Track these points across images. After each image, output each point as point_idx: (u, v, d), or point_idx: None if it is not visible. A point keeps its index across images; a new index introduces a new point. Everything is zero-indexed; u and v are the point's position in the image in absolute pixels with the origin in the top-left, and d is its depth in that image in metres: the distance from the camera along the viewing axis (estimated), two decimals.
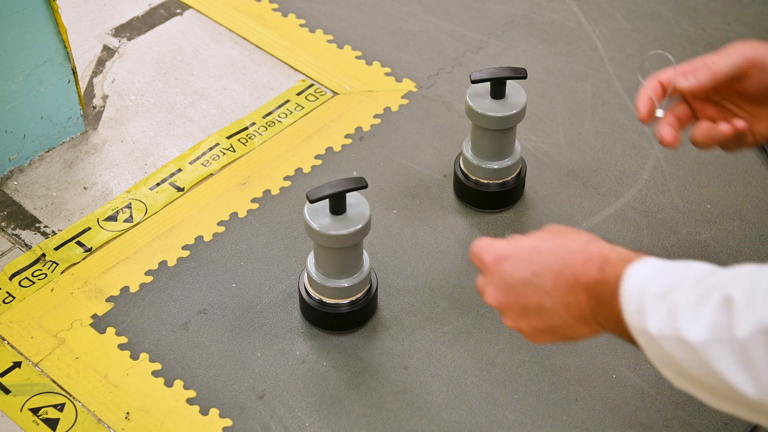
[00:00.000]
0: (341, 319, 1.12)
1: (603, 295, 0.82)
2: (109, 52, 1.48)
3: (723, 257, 1.21)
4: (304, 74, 1.45)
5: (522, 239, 0.88)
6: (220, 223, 1.25)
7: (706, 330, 0.73)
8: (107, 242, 1.23)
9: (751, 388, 0.71)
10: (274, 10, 1.54)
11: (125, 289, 1.18)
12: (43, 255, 1.20)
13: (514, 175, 1.25)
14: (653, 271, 0.78)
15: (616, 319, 0.81)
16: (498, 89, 1.19)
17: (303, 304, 1.13)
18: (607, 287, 0.81)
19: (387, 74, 1.45)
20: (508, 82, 1.19)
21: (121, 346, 1.12)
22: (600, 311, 0.83)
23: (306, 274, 1.12)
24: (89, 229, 1.24)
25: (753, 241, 1.23)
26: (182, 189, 1.29)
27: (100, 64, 1.46)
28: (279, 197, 1.28)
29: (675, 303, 0.75)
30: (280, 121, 1.38)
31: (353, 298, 1.12)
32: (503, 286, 0.88)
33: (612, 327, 0.82)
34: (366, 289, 1.12)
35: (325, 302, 1.11)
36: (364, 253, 1.11)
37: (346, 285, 1.10)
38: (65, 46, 1.27)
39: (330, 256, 1.08)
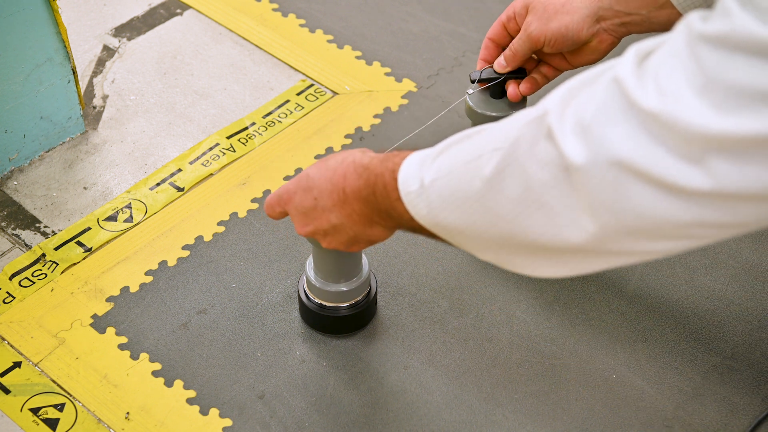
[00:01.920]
0: (340, 323, 1.12)
1: (368, 195, 0.92)
2: (109, 52, 1.48)
3: (723, 257, 1.21)
4: (304, 74, 1.45)
5: (305, 170, 0.99)
6: (220, 223, 1.25)
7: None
8: (107, 242, 1.23)
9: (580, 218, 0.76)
10: (274, 10, 1.54)
11: (125, 289, 1.18)
12: (43, 255, 1.20)
13: None
14: (423, 151, 0.89)
15: (387, 211, 0.91)
16: (498, 89, 1.19)
17: (302, 307, 1.13)
18: (369, 189, 0.92)
19: (387, 74, 1.45)
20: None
21: (121, 346, 1.12)
22: (372, 211, 0.93)
23: (305, 278, 1.12)
24: (89, 229, 1.24)
25: (753, 241, 1.23)
26: (182, 189, 1.29)
27: (100, 64, 1.46)
28: None
29: (451, 150, 0.86)
30: (280, 121, 1.38)
31: (352, 302, 1.11)
32: (301, 217, 1.00)
33: (389, 220, 0.93)
34: (365, 292, 1.12)
35: (325, 306, 1.11)
36: (363, 257, 1.11)
37: (345, 289, 1.10)
38: (65, 46, 1.27)
39: (328, 259, 1.08)
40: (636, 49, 0.74)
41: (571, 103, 0.75)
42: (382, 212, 0.92)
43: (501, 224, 0.80)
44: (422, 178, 0.86)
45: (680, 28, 0.71)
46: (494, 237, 0.82)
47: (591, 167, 0.72)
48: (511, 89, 1.17)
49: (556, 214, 0.77)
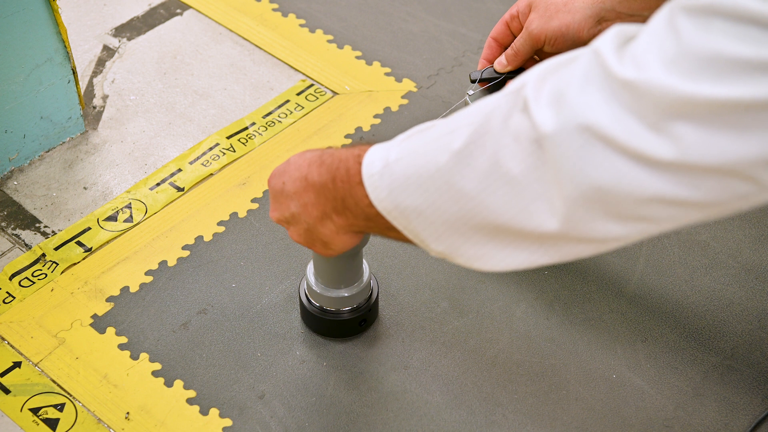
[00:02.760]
0: (342, 327, 1.12)
1: (326, 182, 0.91)
2: (109, 52, 1.48)
3: (723, 257, 1.21)
4: (304, 74, 1.45)
5: (292, 156, 0.99)
6: (220, 223, 1.25)
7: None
8: (107, 242, 1.23)
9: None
10: (274, 10, 1.54)
11: (125, 289, 1.18)
12: (43, 255, 1.20)
13: None
14: (392, 140, 0.87)
15: (343, 199, 0.90)
16: (498, 89, 1.19)
17: (303, 311, 1.13)
18: (329, 174, 0.91)
19: (387, 74, 1.45)
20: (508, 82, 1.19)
21: (121, 346, 1.12)
22: (326, 201, 0.93)
23: (305, 282, 1.12)
24: (89, 229, 1.24)
25: (753, 241, 1.23)
26: (182, 189, 1.29)
27: (100, 64, 1.46)
28: None
29: (422, 132, 0.84)
30: (280, 121, 1.38)
31: (354, 306, 1.11)
32: (272, 201, 1.00)
33: (343, 212, 0.92)
34: (366, 297, 1.12)
35: (326, 310, 1.11)
36: (364, 261, 1.11)
37: (346, 294, 1.09)
38: (65, 46, 1.27)
39: (327, 264, 1.07)
40: (619, 29, 0.74)
41: (550, 76, 0.75)
42: (338, 201, 0.91)
43: (463, 201, 0.79)
44: (387, 158, 0.85)
45: (664, 8, 0.71)
46: (454, 217, 0.81)
47: (559, 134, 0.72)
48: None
49: (522, 188, 0.76)
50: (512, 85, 0.78)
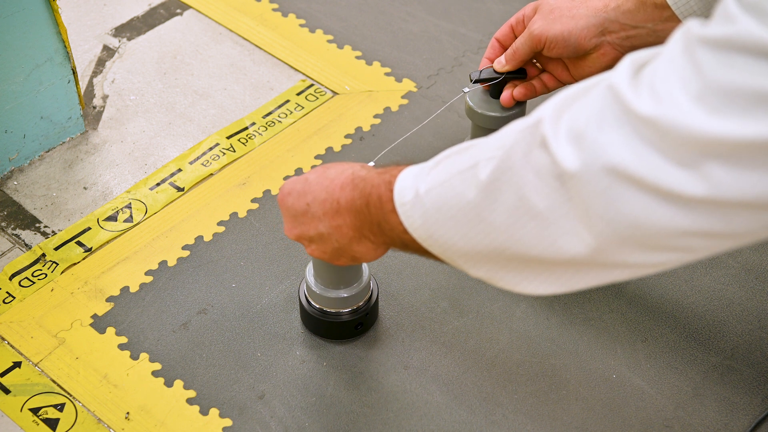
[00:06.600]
0: (342, 329, 1.11)
1: (361, 207, 0.91)
2: (109, 52, 1.48)
3: (723, 257, 1.21)
4: (304, 74, 1.45)
5: (307, 173, 0.99)
6: (220, 223, 1.25)
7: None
8: (107, 242, 1.23)
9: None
10: (274, 10, 1.54)
11: (125, 289, 1.18)
12: (43, 255, 1.20)
13: None
14: (421, 164, 0.88)
15: (379, 223, 0.90)
16: (497, 89, 1.19)
17: (303, 313, 1.13)
18: (363, 200, 0.91)
19: (387, 74, 1.45)
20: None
21: (121, 346, 1.12)
22: (362, 224, 0.93)
23: (305, 284, 1.12)
24: (89, 229, 1.24)
25: None
26: (182, 189, 1.29)
27: (100, 64, 1.46)
28: None
29: (448, 161, 0.85)
30: (280, 121, 1.38)
31: (353, 308, 1.11)
32: (290, 219, 0.99)
33: (379, 234, 0.92)
34: (366, 298, 1.12)
35: (326, 311, 1.11)
36: (364, 264, 1.10)
37: (345, 295, 1.09)
38: (65, 46, 1.27)
39: (327, 265, 1.07)
40: (632, 59, 0.73)
41: (566, 111, 0.75)
42: (374, 225, 0.91)
43: (494, 235, 0.80)
44: (417, 188, 0.85)
45: (677, 35, 0.70)
46: (487, 249, 0.81)
47: (585, 174, 0.72)
48: (505, 94, 1.16)
49: (550, 223, 0.76)
50: (528, 120, 0.78)
